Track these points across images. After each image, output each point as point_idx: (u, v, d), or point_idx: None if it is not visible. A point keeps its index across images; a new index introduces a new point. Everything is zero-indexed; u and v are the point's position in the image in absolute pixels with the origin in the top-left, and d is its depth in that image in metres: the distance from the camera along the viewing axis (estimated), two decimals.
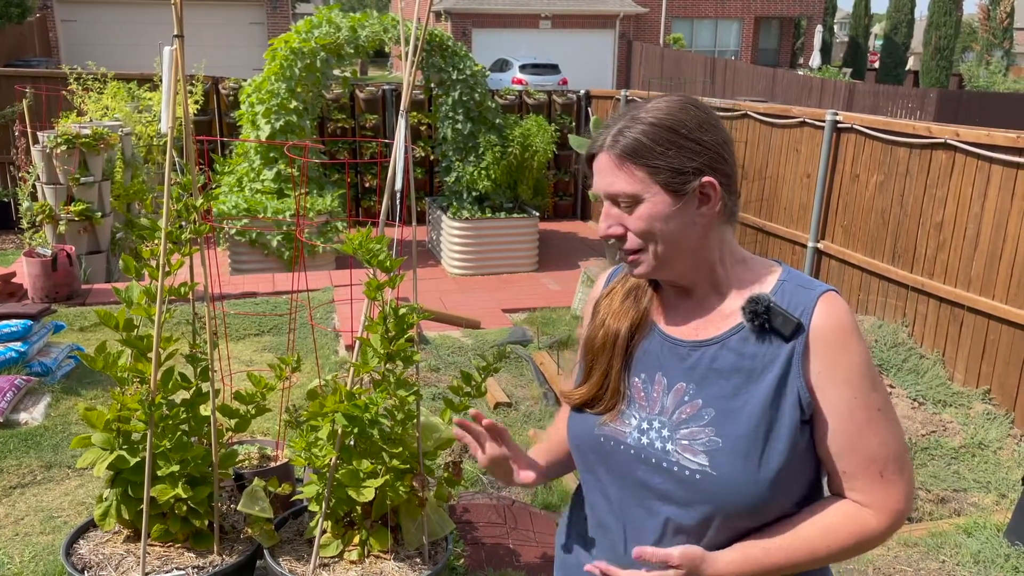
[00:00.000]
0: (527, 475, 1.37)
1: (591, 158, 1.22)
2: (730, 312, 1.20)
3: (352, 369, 2.61)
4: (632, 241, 1.18)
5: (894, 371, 4.89)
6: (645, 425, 1.20)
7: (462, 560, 2.98)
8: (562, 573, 1.39)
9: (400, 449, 2.59)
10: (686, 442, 1.15)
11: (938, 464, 3.99)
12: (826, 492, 1.23)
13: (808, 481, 1.18)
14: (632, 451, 1.20)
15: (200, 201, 2.41)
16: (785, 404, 1.13)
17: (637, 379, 1.24)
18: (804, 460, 1.15)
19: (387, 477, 2.52)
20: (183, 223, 2.42)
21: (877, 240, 5.49)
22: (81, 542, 2.60)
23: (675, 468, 1.15)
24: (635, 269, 1.21)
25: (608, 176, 1.17)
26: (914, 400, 4.50)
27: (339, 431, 2.50)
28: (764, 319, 1.14)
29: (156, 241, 2.41)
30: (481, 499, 3.61)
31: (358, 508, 2.63)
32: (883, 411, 1.14)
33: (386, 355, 2.50)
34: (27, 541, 3.15)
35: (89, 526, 2.67)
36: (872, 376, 1.14)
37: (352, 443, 2.58)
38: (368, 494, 2.47)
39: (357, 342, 2.63)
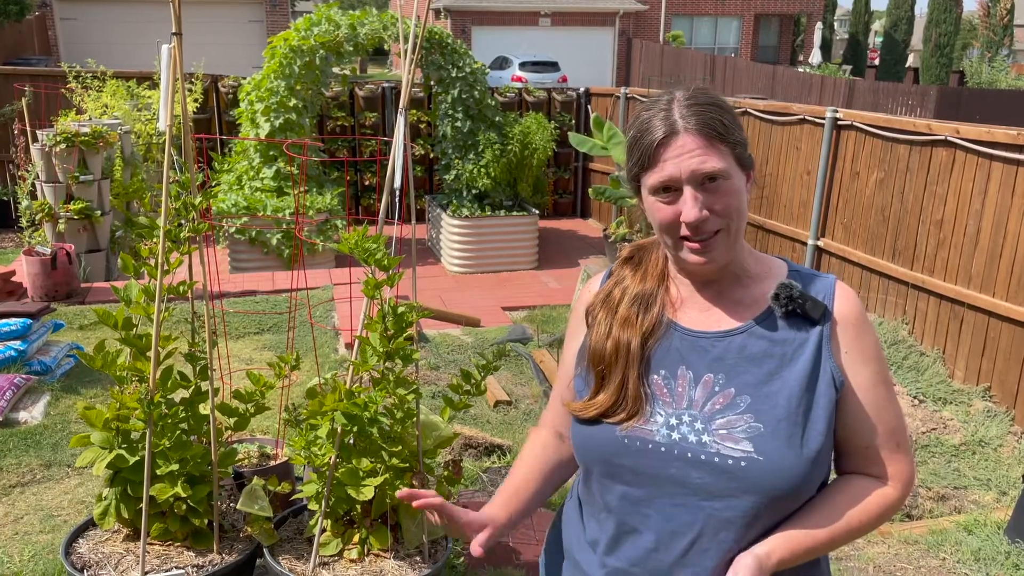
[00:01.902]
0: (476, 548, 1.28)
1: (658, 143, 1.14)
2: (753, 301, 1.22)
3: (351, 367, 2.61)
4: (714, 223, 1.15)
5: (894, 368, 4.88)
6: (674, 421, 1.18)
7: (462, 559, 2.98)
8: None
9: (400, 448, 2.58)
10: (724, 431, 1.15)
11: (938, 462, 3.99)
12: (832, 475, 1.26)
13: (830, 460, 1.23)
14: (663, 448, 1.17)
15: (199, 199, 2.41)
16: (821, 384, 1.17)
17: (657, 376, 1.22)
18: (831, 440, 1.20)
19: (387, 476, 2.51)
20: (182, 221, 2.41)
21: (877, 237, 5.49)
22: (80, 541, 2.60)
23: (716, 459, 1.14)
24: (709, 255, 1.17)
25: (700, 155, 1.13)
26: (914, 398, 4.50)
27: (338, 430, 2.49)
28: (798, 303, 1.18)
29: (155, 240, 2.40)
30: (481, 497, 3.61)
31: (358, 507, 2.62)
32: (892, 388, 1.24)
33: (385, 354, 2.50)
34: (27, 540, 3.14)
35: (88, 525, 2.67)
36: (884, 356, 1.23)
37: (351, 442, 2.58)
38: (368, 493, 2.47)
39: (356, 340, 2.63)
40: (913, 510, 3.59)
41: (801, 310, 1.18)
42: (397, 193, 2.59)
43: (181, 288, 2.44)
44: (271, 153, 7.49)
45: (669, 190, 1.16)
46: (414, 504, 1.28)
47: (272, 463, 3.14)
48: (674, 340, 1.23)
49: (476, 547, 1.29)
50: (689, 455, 1.16)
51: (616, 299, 1.28)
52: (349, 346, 5.35)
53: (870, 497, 1.20)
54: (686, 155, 1.13)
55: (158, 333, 2.38)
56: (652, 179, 1.17)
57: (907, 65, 28.49)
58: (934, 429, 4.24)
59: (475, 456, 4.00)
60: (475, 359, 5.02)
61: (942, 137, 4.87)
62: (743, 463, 1.13)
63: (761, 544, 1.15)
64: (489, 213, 7.85)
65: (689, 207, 1.14)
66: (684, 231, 1.16)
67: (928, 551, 3.23)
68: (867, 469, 1.22)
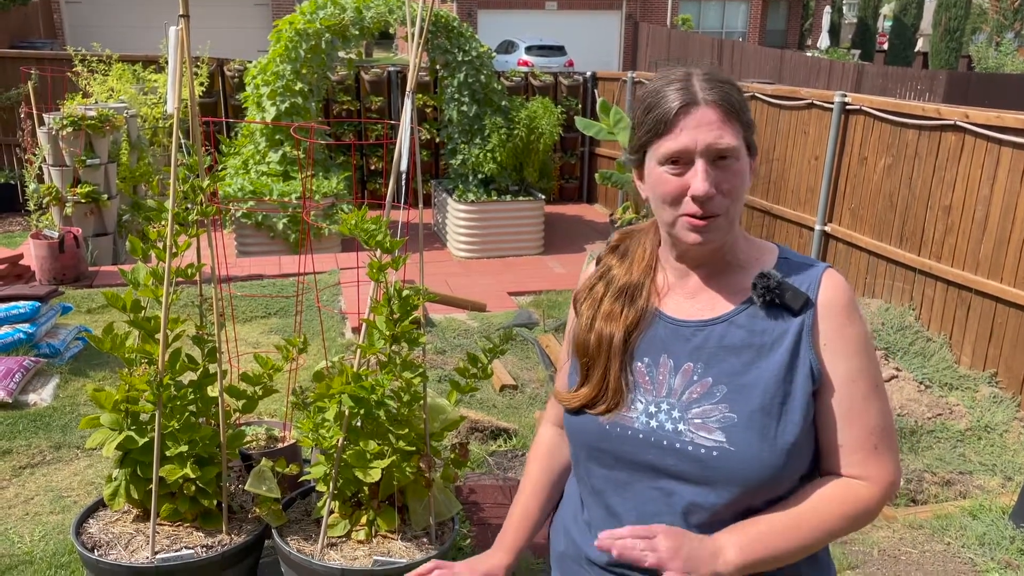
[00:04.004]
0: None
1: (677, 110, 1.12)
2: (735, 290, 1.20)
3: (358, 351, 2.62)
4: (720, 203, 1.13)
5: (900, 354, 4.88)
6: (653, 408, 1.19)
7: (469, 540, 3.00)
8: (560, 568, 1.37)
9: (407, 430, 2.60)
10: (699, 420, 1.15)
11: (944, 447, 3.99)
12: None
13: (811, 455, 1.19)
14: (641, 435, 1.19)
15: (206, 182, 2.41)
16: (798, 376, 1.14)
17: (640, 364, 1.22)
18: (810, 434, 1.17)
19: (394, 458, 2.53)
20: (190, 204, 2.42)
21: (884, 223, 5.47)
22: (91, 521, 2.63)
23: (689, 448, 1.15)
24: (707, 235, 1.15)
25: (716, 129, 1.11)
26: (920, 383, 4.50)
27: (346, 412, 2.51)
28: (776, 294, 1.16)
29: (163, 222, 2.41)
30: (487, 480, 3.63)
31: (365, 488, 2.64)
32: (879, 385, 1.18)
33: (391, 337, 2.51)
34: (37, 520, 3.17)
35: (99, 505, 2.69)
36: (871, 350, 1.18)
37: (359, 424, 2.59)
38: (375, 475, 2.48)
39: (363, 324, 2.63)
40: (918, 495, 3.60)
41: (780, 300, 1.15)
42: (404, 177, 2.59)
43: (189, 271, 2.45)
44: (277, 137, 7.48)
45: (679, 162, 1.13)
46: None
47: (280, 445, 3.16)
48: (658, 328, 1.23)
49: None
50: (665, 443, 1.17)
51: (600, 293, 1.28)
52: (356, 330, 5.36)
53: (840, 497, 1.15)
54: (704, 127, 1.12)
55: (166, 315, 2.39)
56: (665, 147, 1.13)
57: (916, 49, 28.24)
58: (940, 415, 4.24)
59: (481, 440, 4.02)
60: (481, 343, 5.03)
61: (951, 122, 4.84)
62: (715, 453, 1.13)
63: (723, 534, 1.13)
64: (495, 198, 7.84)
65: (700, 180, 1.11)
66: (688, 207, 1.14)
67: (933, 535, 3.24)
68: (844, 469, 1.17)
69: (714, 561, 1.10)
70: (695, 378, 1.18)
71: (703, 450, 1.14)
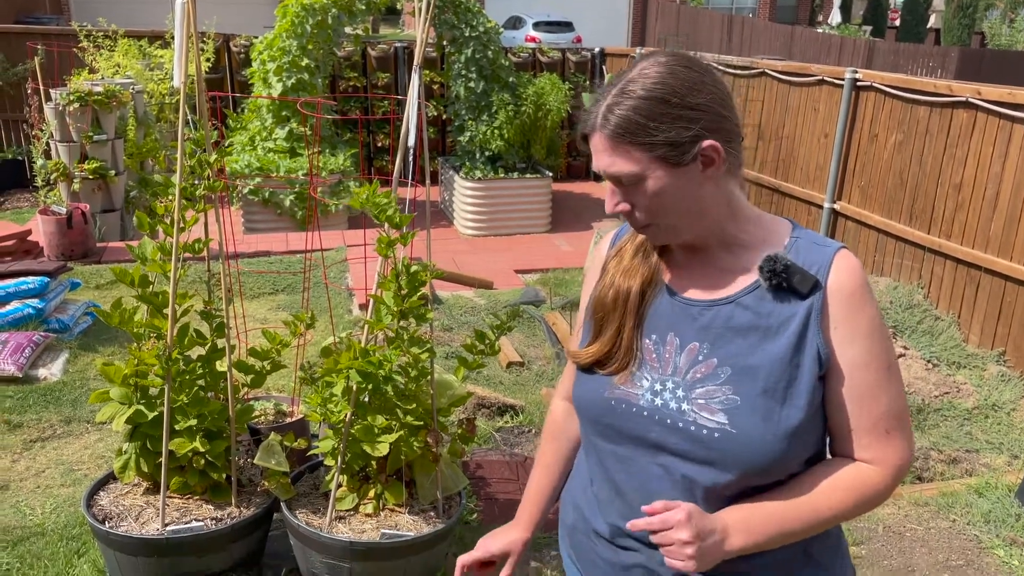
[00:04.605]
0: None
1: (585, 137, 1.18)
2: (744, 270, 1.19)
3: (366, 326, 2.62)
4: (641, 217, 1.17)
5: (908, 332, 4.87)
6: (658, 386, 1.19)
7: (476, 515, 3.02)
8: (570, 539, 1.38)
9: (414, 405, 2.61)
10: (702, 401, 1.15)
11: (951, 425, 3.99)
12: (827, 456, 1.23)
13: (818, 439, 1.19)
14: (645, 413, 1.19)
15: (213, 157, 2.40)
16: (804, 360, 1.13)
17: (648, 340, 1.22)
18: (817, 417, 1.16)
19: (401, 433, 2.54)
20: (197, 179, 2.41)
21: (894, 201, 5.43)
22: (101, 493, 2.65)
23: (692, 428, 1.15)
24: (655, 240, 1.21)
25: (605, 157, 1.14)
26: (928, 361, 4.49)
27: (353, 387, 2.51)
28: (782, 278, 1.14)
29: (170, 197, 2.41)
30: (494, 456, 3.65)
31: (373, 463, 2.66)
32: (892, 368, 1.16)
33: (399, 312, 2.51)
34: (48, 493, 3.21)
35: (109, 478, 2.72)
36: (884, 332, 1.16)
37: (367, 400, 2.60)
38: (383, 449, 2.50)
39: (371, 300, 2.64)
40: (924, 473, 3.60)
41: (787, 284, 1.14)
42: (411, 152, 2.58)
43: (196, 246, 2.45)
44: (283, 113, 7.45)
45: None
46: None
47: (288, 420, 3.18)
48: (665, 304, 1.23)
49: None
50: (668, 421, 1.17)
51: (626, 251, 1.30)
52: (363, 306, 5.38)
53: (847, 480, 1.15)
54: (599, 154, 1.16)
55: (175, 290, 2.40)
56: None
57: (928, 26, 27.89)
58: (947, 393, 4.23)
59: (488, 416, 4.04)
60: (488, 320, 5.03)
61: (963, 99, 4.79)
62: (716, 435, 1.13)
63: (726, 511, 1.14)
64: (502, 175, 7.81)
65: (607, 199, 1.20)
66: None
67: (938, 512, 3.25)
68: (855, 453, 1.16)
69: (720, 547, 1.11)
70: (700, 358, 1.17)
71: (705, 431, 1.14)
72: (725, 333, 1.17)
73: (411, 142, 2.51)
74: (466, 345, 2.81)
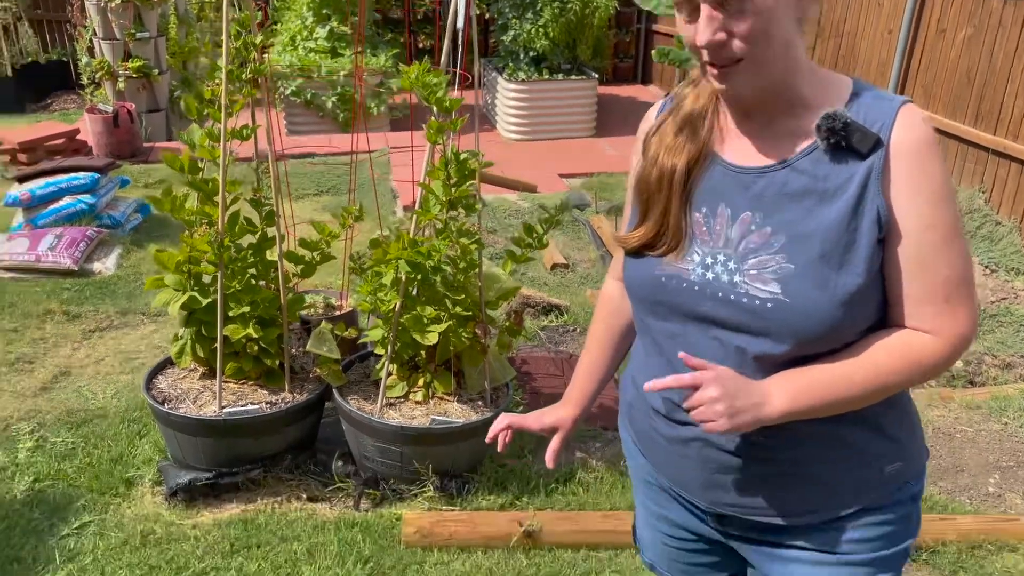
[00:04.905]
0: (549, 460, 1.41)
1: None
2: (800, 132, 1.12)
3: (414, 217, 2.60)
4: (736, 49, 1.05)
5: (967, 238, 4.71)
6: (709, 260, 1.15)
7: (521, 408, 3.06)
8: (629, 418, 1.37)
9: (463, 296, 2.61)
10: (755, 272, 1.11)
11: (1007, 331, 3.90)
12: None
13: (876, 308, 1.13)
14: (696, 287, 1.15)
15: (259, 38, 2.35)
16: (863, 223, 1.07)
17: (698, 214, 1.17)
18: (875, 285, 1.10)
19: (450, 323, 2.55)
20: (243, 63, 2.37)
21: (960, 100, 5.17)
22: (160, 378, 2.73)
23: (744, 300, 1.11)
24: (731, 82, 1.08)
25: None
26: (986, 267, 4.36)
27: (403, 278, 2.52)
28: (841, 136, 1.07)
29: (217, 81, 2.37)
30: (539, 352, 3.67)
31: (422, 352, 2.68)
32: (956, 232, 1.08)
33: (448, 202, 2.48)
34: (108, 379, 3.32)
35: (166, 364, 2.79)
36: (949, 194, 1.08)
37: (415, 292, 2.61)
38: (432, 338, 2.51)
39: (420, 190, 2.61)
40: (977, 377, 3.54)
41: (846, 143, 1.06)
42: (459, 35, 2.49)
43: (244, 131, 2.42)
44: (324, 12, 7.29)
45: (684, 9, 1.07)
46: (487, 439, 1.42)
47: (337, 313, 3.22)
48: (716, 175, 1.17)
49: (549, 460, 1.41)
50: (720, 295, 1.13)
51: (667, 128, 1.22)
52: (407, 207, 5.36)
53: (904, 348, 1.09)
54: None
55: (224, 175, 2.39)
56: None
57: None
58: (1004, 299, 4.12)
59: (533, 315, 4.05)
60: (537, 213, 4.99)
61: None
62: (769, 304, 1.08)
63: (772, 379, 1.10)
64: (546, 77, 7.60)
65: (701, 28, 1.05)
66: (705, 55, 1.07)
67: (990, 415, 3.20)
68: (911, 322, 1.10)
69: (759, 409, 1.07)
70: (753, 228, 1.12)
71: (758, 302, 1.09)
72: (779, 200, 1.11)
73: (459, 23, 2.42)
74: (515, 239, 2.78)
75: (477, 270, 2.67)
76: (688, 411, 1.09)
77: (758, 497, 1.19)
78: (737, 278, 1.12)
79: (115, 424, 2.96)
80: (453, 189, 2.46)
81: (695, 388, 1.08)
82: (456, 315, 2.58)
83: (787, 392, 1.09)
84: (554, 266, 4.76)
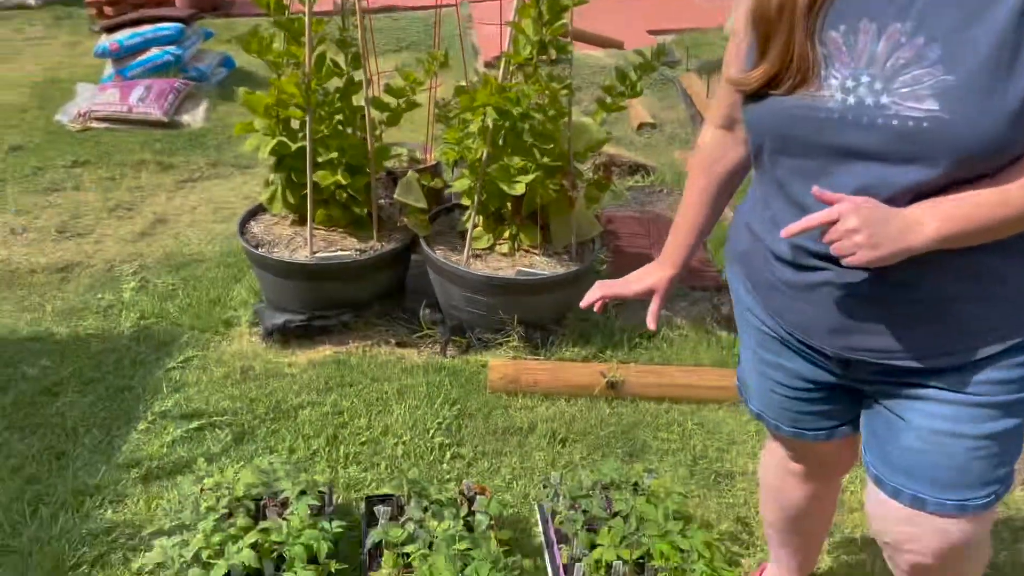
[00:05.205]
0: (651, 323, 1.39)
1: None
2: None
3: (503, 60, 2.50)
4: None
5: None
6: (850, 83, 1.03)
7: (605, 265, 3.03)
8: (742, 266, 1.30)
9: (551, 145, 2.53)
10: (907, 89, 0.99)
11: None
12: None
13: None
14: (836, 115, 1.04)
15: None
16: None
17: (835, 32, 1.04)
18: None
19: (538, 174, 2.49)
20: None
21: None
22: (252, 223, 2.78)
23: (894, 122, 1.00)
24: None
25: None
26: None
27: (490, 125, 2.45)
28: None
29: None
30: (625, 212, 3.59)
31: (508, 204, 2.65)
32: None
33: (539, 42, 2.37)
34: (202, 227, 3.42)
35: (258, 210, 2.84)
36: None
37: (502, 141, 2.54)
38: (519, 189, 2.47)
39: (506, 38, 2.50)
40: None
41: None
42: None
43: None
44: None
45: None
46: (582, 305, 1.42)
47: (422, 167, 3.19)
48: None
49: (651, 322, 1.39)
50: (865, 120, 1.01)
51: None
52: (488, 64, 5.21)
53: None
54: None
55: (310, 12, 2.33)
56: None
57: None
58: None
59: (619, 175, 3.94)
60: (631, 57, 4.79)
61: None
62: (925, 123, 0.97)
63: (913, 208, 1.01)
64: None
65: None
66: None
67: None
68: None
69: (905, 237, 1.00)
70: (903, 40, 1.00)
71: (911, 122, 0.98)
72: (934, 4, 0.98)
73: None
74: (605, 87, 2.66)
75: (566, 119, 2.58)
76: (830, 243, 1.02)
77: (892, 339, 1.12)
78: (885, 99, 1.01)
79: (212, 268, 3.07)
80: (544, 29, 2.34)
81: (831, 224, 1.01)
82: (544, 166, 2.51)
83: (936, 216, 1.00)
84: (641, 125, 4.60)
